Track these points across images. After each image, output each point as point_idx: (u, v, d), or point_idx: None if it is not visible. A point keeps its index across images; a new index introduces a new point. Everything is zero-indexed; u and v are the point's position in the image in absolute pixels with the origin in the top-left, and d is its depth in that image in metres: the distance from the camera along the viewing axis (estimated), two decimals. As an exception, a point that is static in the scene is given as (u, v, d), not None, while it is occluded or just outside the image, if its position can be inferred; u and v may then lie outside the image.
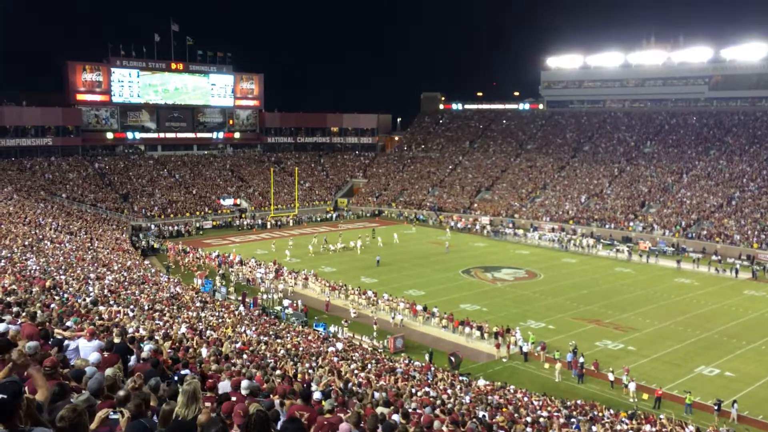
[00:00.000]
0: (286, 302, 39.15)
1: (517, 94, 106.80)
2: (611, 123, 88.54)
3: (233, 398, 8.00)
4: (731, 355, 32.02)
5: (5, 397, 3.66)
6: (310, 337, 30.08)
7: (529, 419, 18.46)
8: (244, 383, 8.94)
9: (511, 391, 25.39)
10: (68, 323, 12.60)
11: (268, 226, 72.02)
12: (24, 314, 11.64)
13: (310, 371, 18.43)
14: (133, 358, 9.35)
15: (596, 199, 72.01)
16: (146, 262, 48.85)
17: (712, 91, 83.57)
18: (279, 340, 26.19)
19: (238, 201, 77.19)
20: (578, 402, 24.93)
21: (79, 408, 3.98)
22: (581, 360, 29.74)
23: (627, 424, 21.82)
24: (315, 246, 57.19)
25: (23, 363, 5.40)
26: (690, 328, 36.22)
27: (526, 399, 23.74)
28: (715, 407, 24.95)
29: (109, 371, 6.36)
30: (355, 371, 21.15)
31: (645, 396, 26.93)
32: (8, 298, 15.05)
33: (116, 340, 9.88)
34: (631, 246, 59.22)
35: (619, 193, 72.12)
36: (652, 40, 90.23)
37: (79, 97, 77.77)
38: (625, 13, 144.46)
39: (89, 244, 44.20)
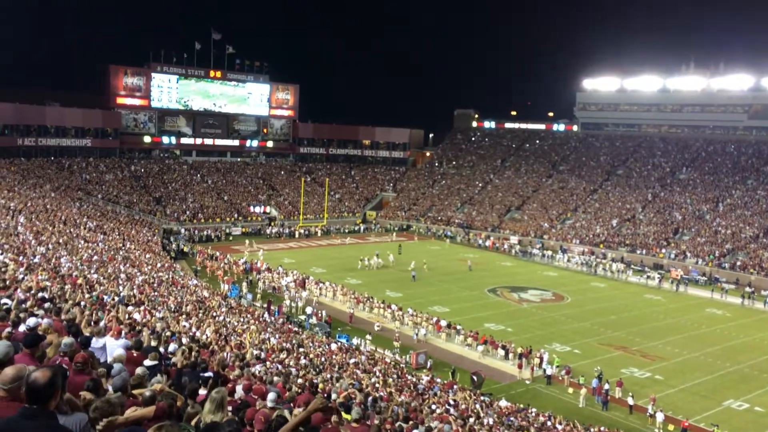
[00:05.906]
0: (309, 310, 39.32)
1: (551, 114, 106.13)
2: (646, 148, 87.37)
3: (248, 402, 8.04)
4: (762, 389, 31.16)
5: (52, 376, 3.67)
6: (332, 348, 30.11)
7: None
8: (270, 396, 8.96)
9: (533, 413, 25.06)
10: (98, 321, 12.82)
11: (297, 236, 72.51)
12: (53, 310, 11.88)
13: (332, 382, 18.43)
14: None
15: (628, 224, 70.98)
16: (176, 265, 49.50)
17: (752, 120, 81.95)
18: (301, 349, 26.27)
19: (267, 209, 77.89)
20: (601, 429, 24.50)
21: (114, 401, 4.05)
22: (606, 386, 29.27)
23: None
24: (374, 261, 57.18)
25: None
26: (720, 359, 35.35)
27: (549, 423, 23.40)
28: (744, 443, 24.30)
29: (138, 370, 6.46)
30: (377, 384, 21.09)
31: (671, 427, 26.32)
32: (41, 294, 15.36)
33: (146, 341, 10.02)
34: (662, 273, 58.14)
35: (651, 219, 70.99)
36: (692, 65, 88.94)
37: (119, 100, 79.47)
38: (664, 37, 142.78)
39: (121, 245, 44.96)
